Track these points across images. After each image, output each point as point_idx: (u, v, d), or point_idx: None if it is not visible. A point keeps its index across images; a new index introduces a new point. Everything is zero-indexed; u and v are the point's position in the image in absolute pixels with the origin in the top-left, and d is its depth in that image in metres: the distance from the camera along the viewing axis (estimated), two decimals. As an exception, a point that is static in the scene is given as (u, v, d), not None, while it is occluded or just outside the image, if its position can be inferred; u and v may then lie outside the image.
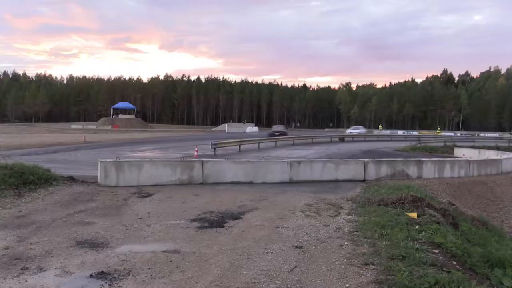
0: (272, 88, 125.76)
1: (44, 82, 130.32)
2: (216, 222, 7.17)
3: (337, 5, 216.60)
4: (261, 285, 4.40)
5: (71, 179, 10.65)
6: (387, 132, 68.76)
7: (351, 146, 30.85)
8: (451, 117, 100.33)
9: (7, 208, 7.77)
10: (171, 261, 5.07)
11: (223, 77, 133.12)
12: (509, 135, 43.43)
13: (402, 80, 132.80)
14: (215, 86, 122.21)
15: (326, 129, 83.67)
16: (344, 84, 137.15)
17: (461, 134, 66.14)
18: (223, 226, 6.89)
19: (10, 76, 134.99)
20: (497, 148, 30.71)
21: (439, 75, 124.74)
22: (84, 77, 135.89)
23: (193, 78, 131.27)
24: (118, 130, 64.22)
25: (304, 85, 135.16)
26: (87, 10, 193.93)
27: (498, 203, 14.38)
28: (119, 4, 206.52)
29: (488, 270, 5.53)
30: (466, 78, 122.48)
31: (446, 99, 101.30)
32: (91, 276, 4.55)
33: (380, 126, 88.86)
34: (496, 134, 65.12)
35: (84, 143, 28.95)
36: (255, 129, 62.29)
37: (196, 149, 19.91)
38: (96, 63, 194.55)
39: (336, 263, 5.12)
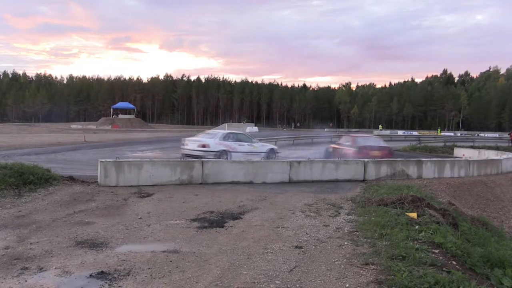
0: (272, 88, 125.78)
1: (44, 82, 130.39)
2: (216, 222, 7.17)
3: (338, 5, 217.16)
4: (261, 285, 4.40)
5: (71, 179, 10.64)
6: (387, 132, 68.89)
7: (351, 146, 30.79)
8: (451, 117, 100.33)
9: (7, 208, 7.76)
10: (171, 261, 5.07)
11: (223, 77, 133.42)
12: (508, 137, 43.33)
13: (402, 80, 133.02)
14: (215, 86, 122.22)
15: (326, 129, 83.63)
16: (344, 84, 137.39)
17: (461, 134, 66.27)
18: (223, 226, 6.89)
19: (10, 76, 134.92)
20: (497, 148, 30.75)
21: (439, 75, 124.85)
22: (84, 77, 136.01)
23: (193, 78, 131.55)
24: (118, 130, 64.23)
25: (304, 85, 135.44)
26: (87, 9, 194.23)
27: (498, 203, 14.37)
28: (119, 3, 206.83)
29: (488, 270, 5.52)
30: (466, 78, 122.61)
31: (446, 99, 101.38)
32: (91, 276, 4.55)
33: (380, 126, 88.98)
34: (496, 134, 65.24)
35: (84, 143, 28.96)
36: (255, 129, 62.26)
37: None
38: (96, 63, 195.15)
39: (336, 263, 5.12)
